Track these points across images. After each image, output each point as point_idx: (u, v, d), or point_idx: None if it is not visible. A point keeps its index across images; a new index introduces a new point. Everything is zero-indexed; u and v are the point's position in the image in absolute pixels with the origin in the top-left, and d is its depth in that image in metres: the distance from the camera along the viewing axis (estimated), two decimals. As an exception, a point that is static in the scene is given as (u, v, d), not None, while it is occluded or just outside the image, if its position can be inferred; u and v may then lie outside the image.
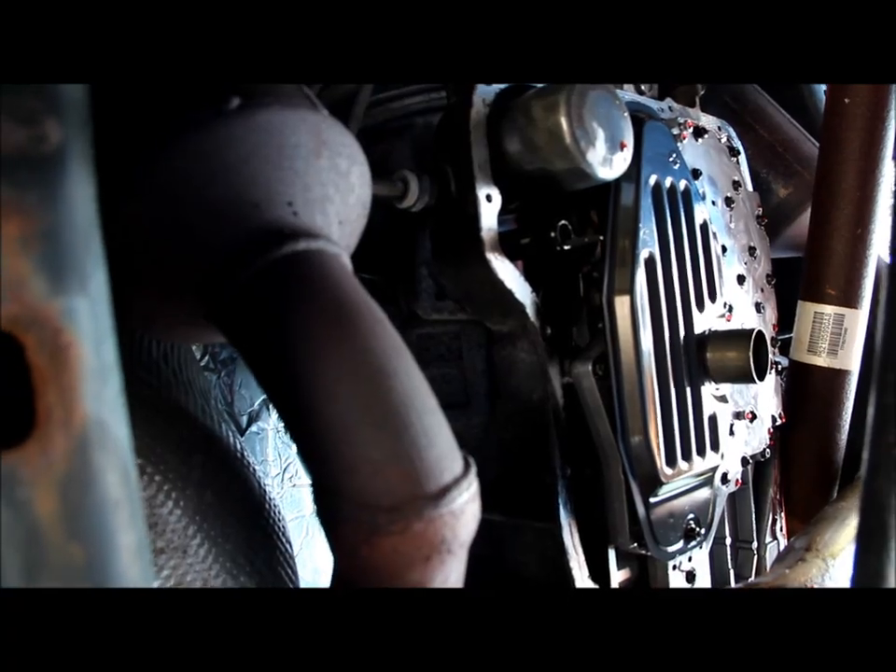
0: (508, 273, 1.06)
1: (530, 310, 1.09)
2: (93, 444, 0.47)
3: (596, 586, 1.14)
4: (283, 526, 0.94)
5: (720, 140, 1.45)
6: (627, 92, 1.29)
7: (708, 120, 1.43)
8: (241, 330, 0.77)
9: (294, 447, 0.87)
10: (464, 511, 0.72)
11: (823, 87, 1.64)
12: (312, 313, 0.73)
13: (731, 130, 1.49)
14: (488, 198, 1.05)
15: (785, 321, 1.54)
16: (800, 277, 1.51)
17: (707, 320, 1.26)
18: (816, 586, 1.11)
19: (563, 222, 1.11)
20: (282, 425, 0.92)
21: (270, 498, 0.93)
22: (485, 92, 1.06)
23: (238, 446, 0.95)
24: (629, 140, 1.08)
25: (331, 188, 0.82)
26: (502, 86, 1.08)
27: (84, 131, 0.52)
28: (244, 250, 0.75)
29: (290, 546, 0.96)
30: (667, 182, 1.22)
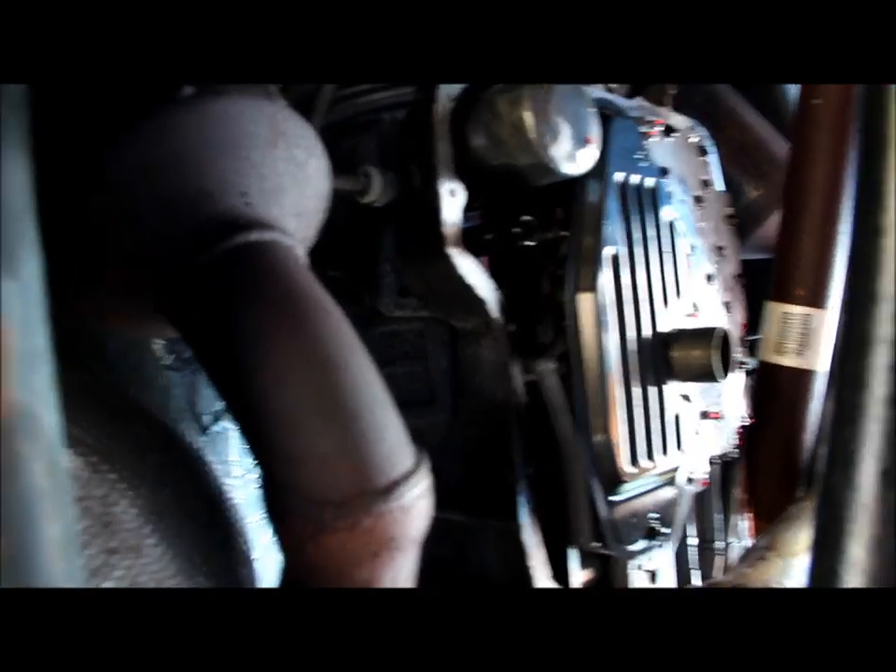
0: (471, 269, 1.05)
1: (493, 307, 1.08)
2: (19, 432, 0.46)
3: (558, 586, 1.13)
4: (242, 527, 0.93)
5: (690, 139, 1.44)
6: (596, 89, 1.28)
7: (679, 119, 1.42)
8: (191, 322, 0.76)
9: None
10: (414, 506, 0.71)
11: (795, 87, 1.64)
12: (262, 304, 0.72)
13: (701, 129, 1.48)
14: (452, 193, 1.04)
15: (754, 322, 1.54)
16: (768, 278, 1.51)
17: (673, 318, 1.26)
18: (776, 585, 1.11)
19: (526, 218, 1.10)
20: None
21: (229, 499, 0.92)
22: (450, 88, 1.05)
23: (197, 445, 0.94)
24: (595, 136, 1.08)
25: (287, 179, 0.81)
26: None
27: (18, 117, 0.51)
28: (195, 240, 0.74)
29: (250, 547, 0.94)
30: (635, 179, 1.21)
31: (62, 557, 0.48)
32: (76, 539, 0.51)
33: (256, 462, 0.73)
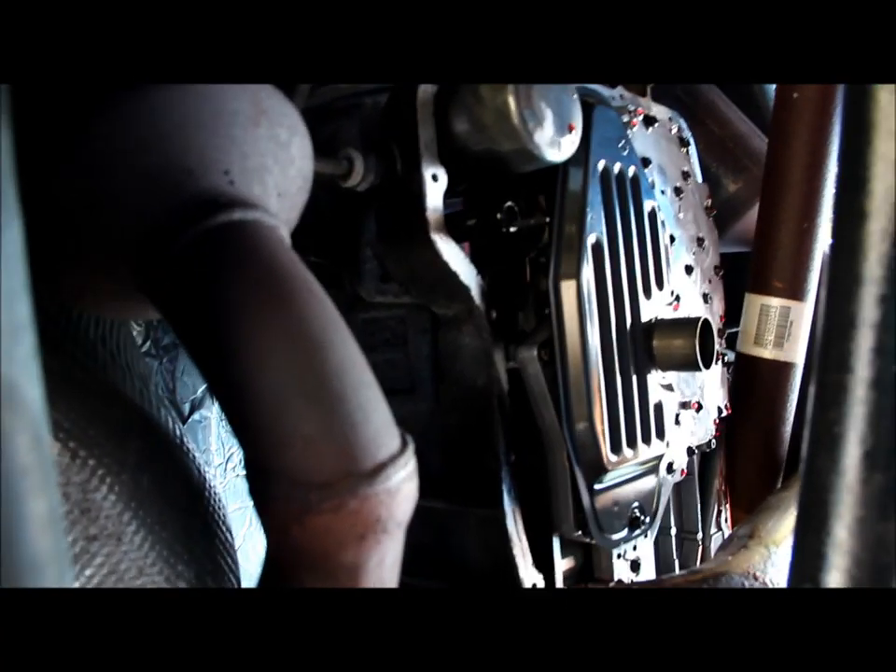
0: (453, 254, 1.04)
1: (476, 293, 1.07)
2: (2, 405, 0.45)
3: (540, 575, 1.13)
4: (223, 515, 0.92)
5: (670, 130, 1.44)
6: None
7: (659, 110, 1.42)
8: (173, 302, 0.75)
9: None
10: (400, 489, 0.71)
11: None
12: (245, 283, 0.71)
13: (681, 121, 1.48)
14: (434, 178, 1.03)
15: (733, 315, 1.54)
16: (747, 271, 1.52)
17: (654, 308, 1.26)
18: (758, 573, 1.11)
19: (509, 204, 1.10)
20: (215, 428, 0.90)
21: (210, 486, 0.91)
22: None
23: (178, 433, 0.93)
24: (578, 123, 1.07)
25: (270, 158, 0.80)
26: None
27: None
28: (176, 219, 0.73)
29: (231, 535, 0.94)
30: (616, 168, 1.21)
31: (47, 534, 0.47)
32: (61, 516, 0.50)
33: (240, 444, 0.72)
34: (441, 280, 1.05)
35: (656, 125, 1.37)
